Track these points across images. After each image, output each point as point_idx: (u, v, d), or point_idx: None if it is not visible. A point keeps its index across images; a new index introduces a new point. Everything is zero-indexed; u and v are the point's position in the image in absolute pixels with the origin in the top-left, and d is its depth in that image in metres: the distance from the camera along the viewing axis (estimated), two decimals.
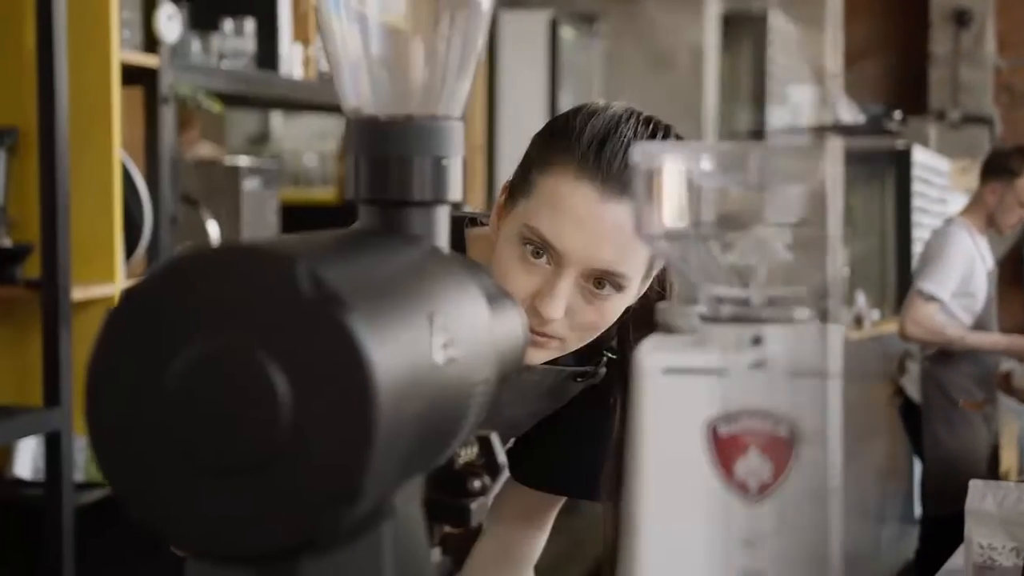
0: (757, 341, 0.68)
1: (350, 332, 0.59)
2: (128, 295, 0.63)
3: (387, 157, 0.79)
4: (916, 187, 6.71)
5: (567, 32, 5.06)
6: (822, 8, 9.12)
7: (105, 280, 2.53)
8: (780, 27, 7.38)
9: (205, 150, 3.74)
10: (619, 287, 1.25)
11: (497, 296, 0.85)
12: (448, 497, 0.85)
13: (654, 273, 1.32)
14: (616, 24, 5.36)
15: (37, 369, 2.38)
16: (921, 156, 6.87)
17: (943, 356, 4.19)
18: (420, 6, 0.82)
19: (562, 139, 1.25)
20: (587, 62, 5.03)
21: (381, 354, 0.60)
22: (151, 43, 2.70)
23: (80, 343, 2.41)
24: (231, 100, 3.25)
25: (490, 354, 0.75)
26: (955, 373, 4.18)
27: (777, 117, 7.39)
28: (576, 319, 1.26)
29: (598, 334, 1.29)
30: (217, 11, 3.05)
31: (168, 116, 2.72)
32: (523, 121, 4.58)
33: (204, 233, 2.90)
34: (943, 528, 3.99)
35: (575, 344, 1.29)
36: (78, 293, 2.45)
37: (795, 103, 7.55)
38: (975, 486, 2.00)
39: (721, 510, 0.67)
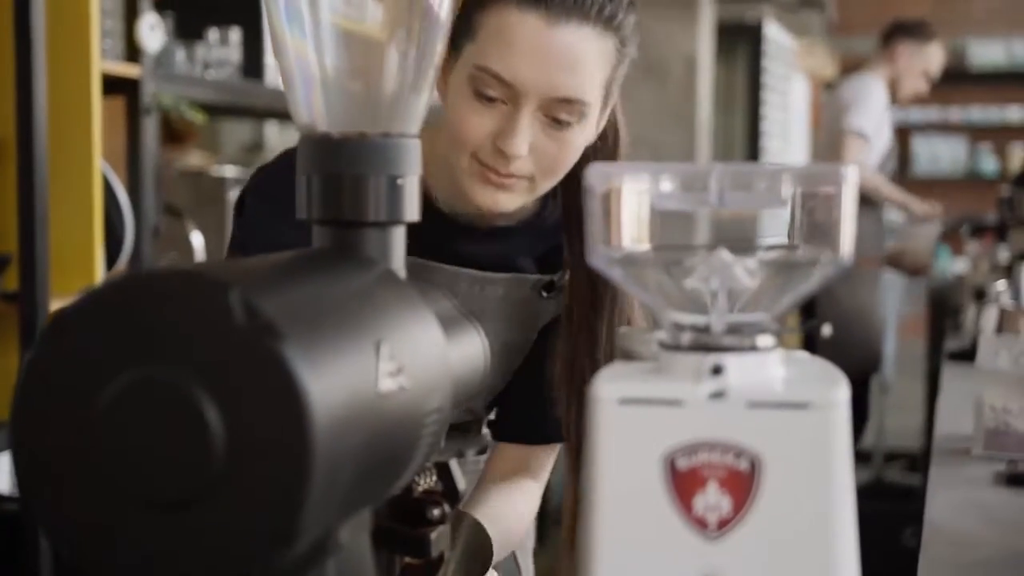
0: (717, 371, 0.66)
1: (284, 362, 0.57)
2: (59, 318, 0.60)
3: (340, 175, 0.77)
4: (765, 63, 6.79)
5: None
6: (815, 18, 9.15)
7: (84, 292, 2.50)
8: (775, 36, 7.37)
9: (195, 159, 3.71)
10: (579, 115, 1.22)
11: (455, 320, 0.82)
12: (406, 527, 0.82)
13: (611, 103, 1.30)
14: None
15: (13, 383, 2.35)
16: (772, 32, 6.91)
17: None
18: (375, 19, 0.80)
19: None
20: None
21: (318, 385, 0.58)
22: (133, 53, 2.67)
23: None
24: (216, 110, 3.22)
25: (444, 382, 0.72)
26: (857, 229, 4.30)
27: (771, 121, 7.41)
28: (540, 155, 1.23)
29: (563, 172, 1.26)
30: (202, 21, 3.03)
31: (150, 126, 2.69)
32: None
33: (188, 244, 2.88)
34: None
35: (543, 184, 1.26)
36: (57, 306, 2.42)
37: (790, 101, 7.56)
38: (986, 341, 1.83)
39: (679, 546, 0.65)
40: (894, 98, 4.51)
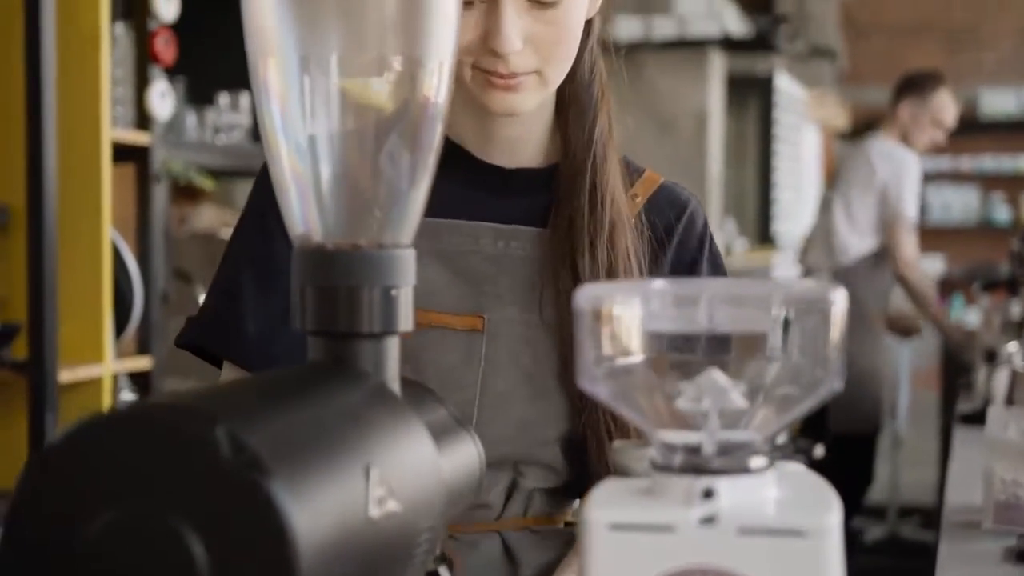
0: (708, 494, 0.65)
1: (271, 499, 0.56)
2: (45, 452, 0.60)
3: (335, 287, 0.77)
4: (776, 115, 6.83)
5: None
6: (827, 68, 9.19)
7: (94, 361, 2.51)
8: (786, 88, 7.40)
9: (209, 216, 3.72)
10: None
11: (449, 429, 0.82)
12: None
13: None
14: (619, 91, 5.33)
15: (23, 453, 2.36)
16: (783, 83, 6.94)
17: (853, 269, 4.32)
18: (369, 128, 0.80)
19: None
20: None
21: (306, 519, 0.57)
22: (144, 120, 2.69)
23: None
24: (227, 173, 3.24)
25: (437, 499, 0.72)
26: (867, 287, 4.27)
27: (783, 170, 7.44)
28: (538, 43, 1.18)
29: (572, 55, 1.21)
30: (213, 85, 3.05)
31: (160, 193, 2.71)
32: None
33: (197, 308, 2.88)
34: (845, 448, 4.08)
35: (553, 74, 1.21)
36: (66, 375, 2.42)
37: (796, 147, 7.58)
38: (995, 412, 1.80)
39: None
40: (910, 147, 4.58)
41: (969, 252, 9.89)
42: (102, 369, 2.52)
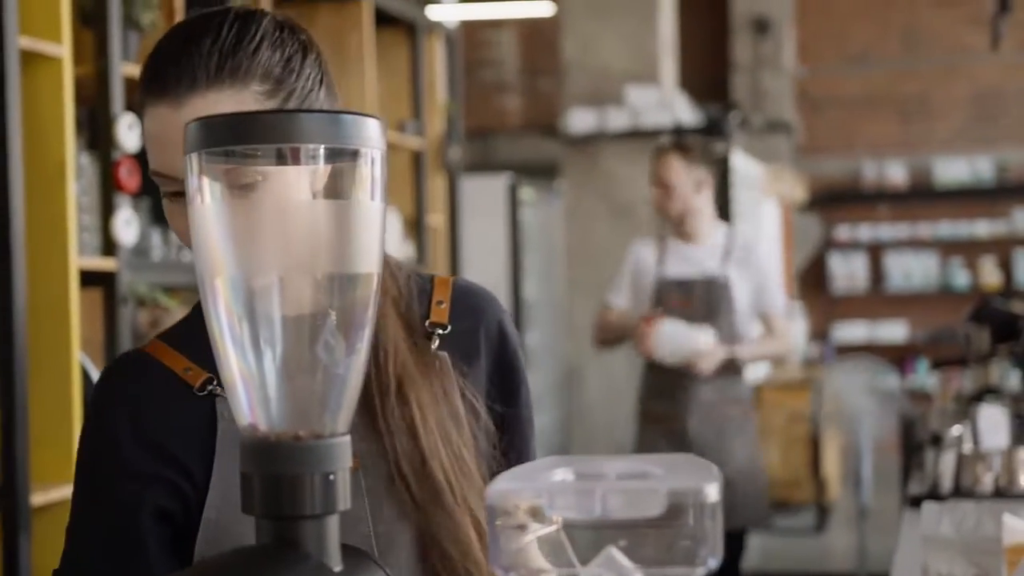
0: None
1: None
2: None
3: (278, 475, 0.86)
4: (734, 193, 6.93)
5: (527, 193, 5.19)
6: (783, 142, 9.38)
7: (64, 483, 2.58)
8: (742, 166, 7.56)
9: (181, 318, 3.79)
10: (262, 175, 1.12)
11: None
12: None
13: None
14: (575, 178, 5.51)
15: None
16: (739, 162, 7.08)
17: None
18: (306, 330, 0.89)
19: (139, 85, 1.22)
20: (547, 218, 5.16)
21: None
22: (110, 246, 2.78)
23: (40, 549, 2.45)
24: (193, 287, 3.33)
25: None
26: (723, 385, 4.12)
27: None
28: None
29: None
30: None
31: (126, 316, 2.80)
32: (487, 281, 4.66)
33: None
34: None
35: None
36: (38, 498, 2.49)
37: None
38: (929, 508, 1.85)
39: None
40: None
41: (930, 317, 10.08)
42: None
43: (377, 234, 0.89)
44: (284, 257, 0.87)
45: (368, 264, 0.89)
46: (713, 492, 0.75)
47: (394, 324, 1.27)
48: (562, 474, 0.80)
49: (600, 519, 0.77)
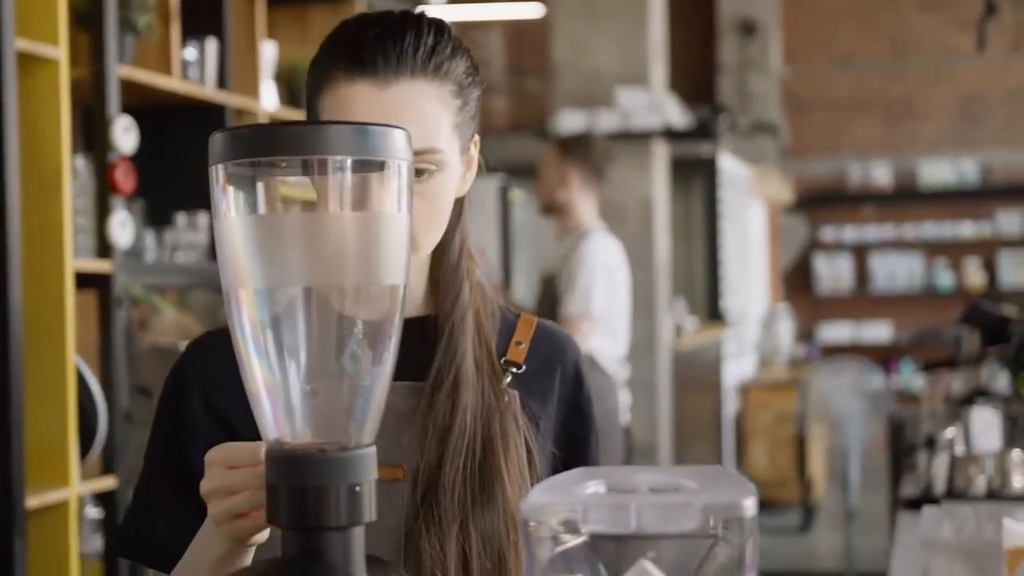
0: None
1: None
2: None
3: (304, 487, 0.86)
4: (720, 194, 7.00)
5: (517, 195, 5.18)
6: (770, 143, 9.40)
7: (60, 485, 2.57)
8: (729, 167, 7.58)
9: (170, 319, 3.77)
10: (436, 163, 1.22)
11: None
12: None
13: (472, 151, 1.30)
14: None
15: None
16: (726, 163, 7.14)
17: None
18: (332, 341, 0.89)
19: (325, 60, 1.24)
20: (538, 219, 5.16)
21: None
22: (105, 248, 2.77)
23: (35, 552, 2.44)
24: (186, 288, 3.32)
25: None
26: None
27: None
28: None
29: (444, 224, 1.26)
30: (171, 206, 3.14)
31: (121, 317, 2.79)
32: None
33: None
34: None
35: (424, 243, 1.24)
36: (33, 501, 2.48)
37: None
38: (929, 512, 1.85)
39: None
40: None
41: (914, 318, 10.11)
42: (68, 492, 2.58)
43: (403, 245, 0.89)
44: (310, 268, 0.86)
45: (394, 275, 0.88)
46: (750, 507, 0.75)
47: (471, 357, 1.27)
48: (594, 486, 0.80)
49: (634, 532, 0.77)
